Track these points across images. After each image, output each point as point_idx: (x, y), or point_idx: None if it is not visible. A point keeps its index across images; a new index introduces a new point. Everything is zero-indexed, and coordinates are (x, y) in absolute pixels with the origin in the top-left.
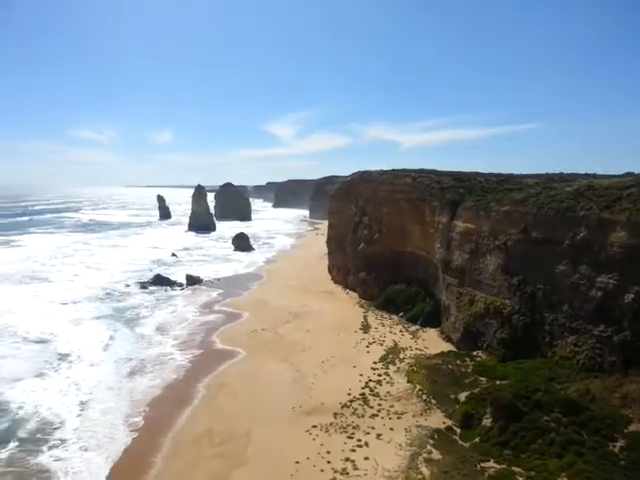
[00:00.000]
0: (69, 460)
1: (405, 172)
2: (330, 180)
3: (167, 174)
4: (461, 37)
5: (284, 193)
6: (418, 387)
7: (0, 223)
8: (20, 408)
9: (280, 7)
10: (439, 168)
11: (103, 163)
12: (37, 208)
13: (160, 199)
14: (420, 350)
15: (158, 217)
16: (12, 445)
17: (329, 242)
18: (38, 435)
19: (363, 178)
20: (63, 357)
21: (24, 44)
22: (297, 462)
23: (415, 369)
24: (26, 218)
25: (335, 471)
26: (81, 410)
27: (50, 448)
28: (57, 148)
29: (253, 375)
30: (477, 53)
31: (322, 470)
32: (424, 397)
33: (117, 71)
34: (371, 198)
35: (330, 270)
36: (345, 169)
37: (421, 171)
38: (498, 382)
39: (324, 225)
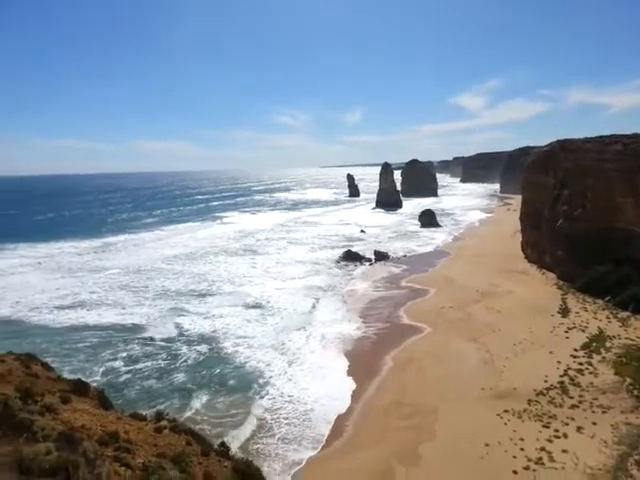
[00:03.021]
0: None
1: (615, 138)
2: (524, 151)
3: (356, 153)
4: None
5: (472, 167)
6: (628, 381)
7: (226, 203)
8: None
9: None
10: None
11: (298, 146)
12: (254, 189)
13: (349, 178)
14: (631, 340)
15: (348, 195)
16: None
17: (523, 218)
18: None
19: (563, 147)
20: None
21: (226, 54)
22: (487, 445)
23: (625, 360)
24: (243, 199)
25: (529, 459)
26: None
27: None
28: (260, 135)
29: (440, 352)
30: None
31: (514, 457)
32: (635, 393)
33: (308, 60)
34: (572, 169)
35: (523, 248)
36: (541, 139)
37: (635, 136)
38: None
39: (516, 200)
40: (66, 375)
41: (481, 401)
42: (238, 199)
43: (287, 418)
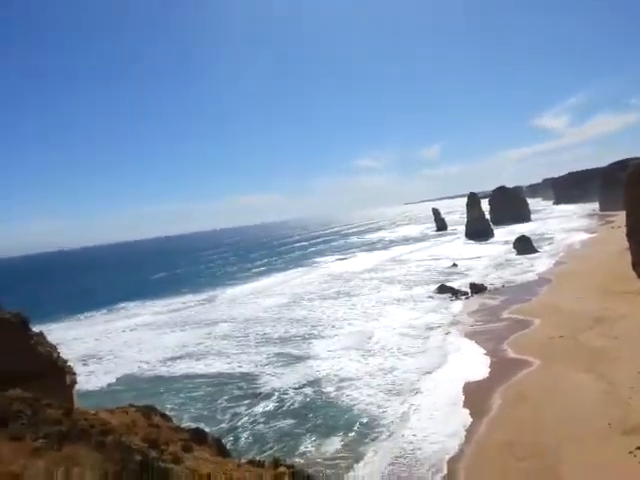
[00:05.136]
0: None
1: None
2: (622, 165)
3: (439, 186)
4: None
5: (565, 187)
6: None
7: (320, 249)
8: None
9: None
10: None
11: (381, 186)
12: (344, 232)
13: (435, 211)
14: None
15: (435, 229)
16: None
17: (630, 234)
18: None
19: None
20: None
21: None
22: None
23: None
24: (336, 243)
25: None
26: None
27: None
28: (343, 179)
29: (554, 386)
30: None
31: None
32: None
33: (385, 101)
34: None
35: (635, 267)
36: (636, 150)
37: None
38: None
39: (619, 217)
40: (186, 422)
41: (608, 438)
42: (331, 243)
43: (398, 458)
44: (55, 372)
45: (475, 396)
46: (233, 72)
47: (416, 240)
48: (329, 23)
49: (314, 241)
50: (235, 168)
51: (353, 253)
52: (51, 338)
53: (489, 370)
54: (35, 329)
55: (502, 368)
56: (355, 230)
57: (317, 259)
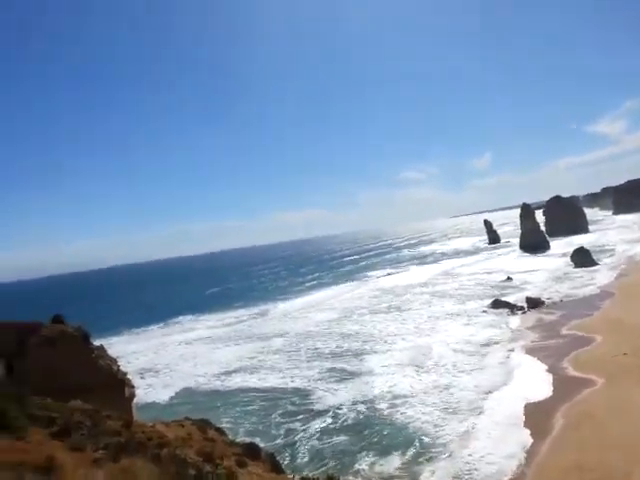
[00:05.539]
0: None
1: None
2: None
3: (490, 198)
4: None
5: (625, 196)
6: None
7: (370, 263)
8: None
9: None
10: None
11: (428, 198)
12: (394, 246)
13: (487, 224)
14: None
15: (487, 242)
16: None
17: None
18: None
19: None
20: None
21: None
22: None
23: None
24: (388, 256)
25: None
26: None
27: None
28: (389, 192)
29: (620, 405)
30: None
31: None
32: None
33: (433, 110)
34: None
35: None
36: None
37: None
38: None
39: None
40: (242, 436)
41: None
42: (382, 257)
43: (455, 479)
44: (115, 385)
45: (536, 415)
46: (278, 88)
47: (468, 253)
48: (370, 37)
49: (365, 255)
50: (280, 184)
51: (404, 267)
52: (111, 352)
53: (551, 388)
54: (95, 343)
55: (564, 386)
56: (405, 243)
57: (368, 273)
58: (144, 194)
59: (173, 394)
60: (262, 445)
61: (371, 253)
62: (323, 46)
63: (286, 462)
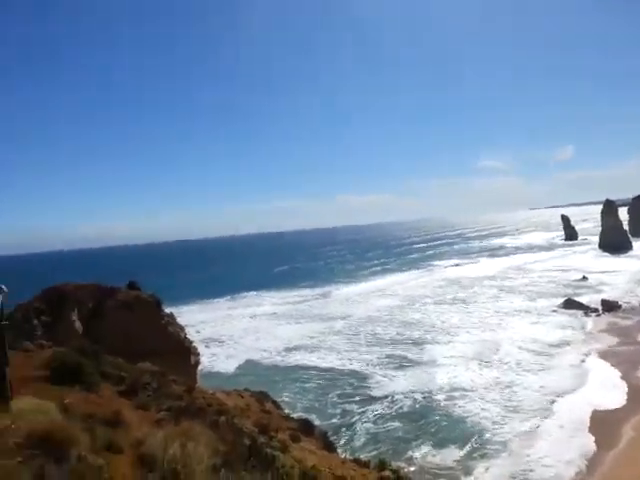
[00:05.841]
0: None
1: None
2: None
3: (570, 191)
4: None
5: None
6: None
7: (438, 252)
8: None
9: None
10: None
11: (503, 188)
12: (465, 236)
13: (564, 219)
14: None
15: (563, 238)
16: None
17: None
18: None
19: None
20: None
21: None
22: None
23: None
24: (457, 246)
25: None
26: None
27: None
28: (458, 181)
29: None
30: None
31: None
32: None
33: (510, 96)
34: None
35: None
36: None
37: None
38: None
39: None
40: (299, 412)
41: None
42: (450, 246)
43: (509, 478)
44: (182, 351)
45: (604, 424)
46: (344, 75)
47: (542, 249)
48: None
49: (432, 243)
50: (346, 168)
51: (473, 258)
52: (179, 320)
53: (624, 397)
54: (167, 310)
55: (637, 396)
56: (476, 234)
57: (434, 262)
58: (212, 177)
59: (236, 365)
60: (317, 423)
61: (438, 242)
62: (405, 31)
63: (341, 442)
